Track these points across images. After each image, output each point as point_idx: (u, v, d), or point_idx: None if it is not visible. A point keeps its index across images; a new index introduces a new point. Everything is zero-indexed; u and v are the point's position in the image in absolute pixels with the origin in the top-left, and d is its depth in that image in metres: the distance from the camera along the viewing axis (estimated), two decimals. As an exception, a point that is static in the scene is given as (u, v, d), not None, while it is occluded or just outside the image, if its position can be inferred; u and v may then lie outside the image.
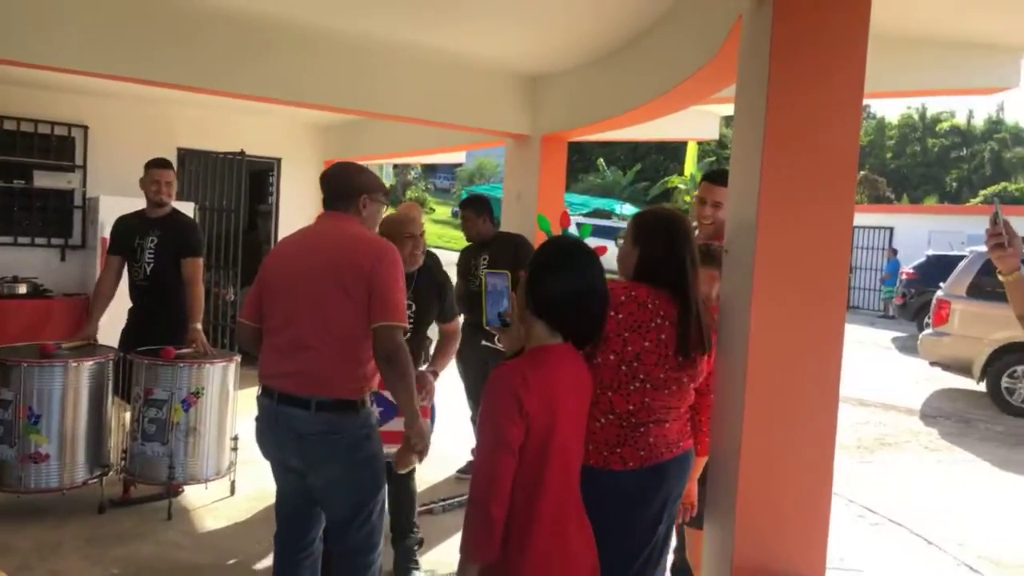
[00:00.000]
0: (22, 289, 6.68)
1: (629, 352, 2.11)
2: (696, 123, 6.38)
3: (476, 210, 4.89)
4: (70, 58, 4.37)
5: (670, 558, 3.17)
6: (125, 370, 4.28)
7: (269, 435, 2.56)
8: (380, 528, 2.61)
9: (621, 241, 2.38)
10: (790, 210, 2.06)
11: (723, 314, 2.34)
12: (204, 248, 4.70)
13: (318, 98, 5.01)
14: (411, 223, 3.41)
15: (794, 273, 2.08)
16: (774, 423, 2.07)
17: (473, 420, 5.23)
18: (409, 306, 3.39)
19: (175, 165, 7.56)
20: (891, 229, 19.94)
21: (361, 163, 9.03)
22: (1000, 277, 2.07)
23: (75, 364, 4.01)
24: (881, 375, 10.69)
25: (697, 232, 3.56)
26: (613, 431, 2.14)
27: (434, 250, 3.72)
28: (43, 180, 7.03)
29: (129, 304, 4.58)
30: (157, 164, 4.59)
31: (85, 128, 7.27)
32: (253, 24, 4.64)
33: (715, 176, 3.24)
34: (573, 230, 5.43)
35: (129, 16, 4.40)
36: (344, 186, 2.63)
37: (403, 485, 3.60)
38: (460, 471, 5.19)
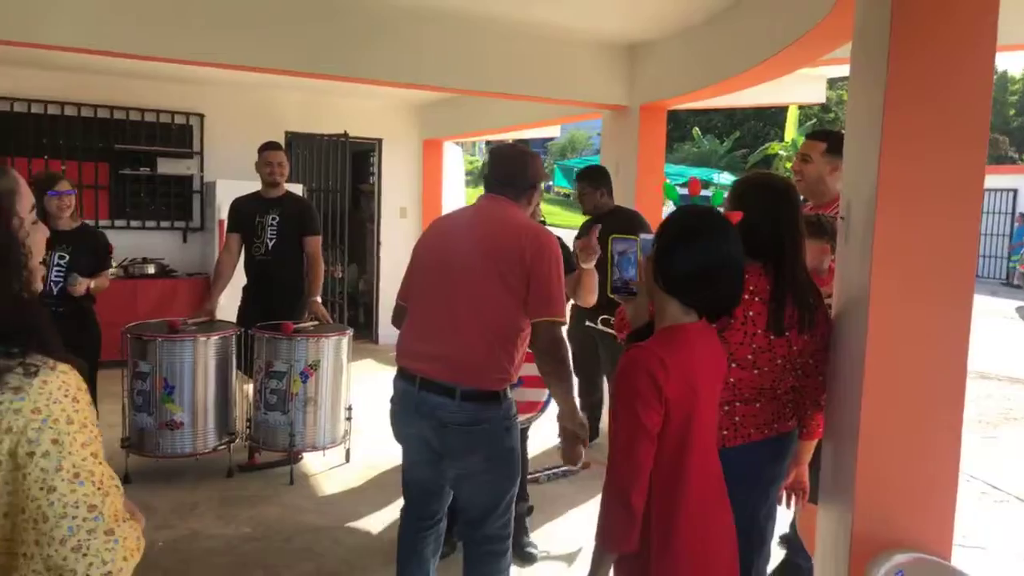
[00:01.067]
0: (150, 269, 7.18)
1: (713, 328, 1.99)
2: (800, 86, 6.12)
3: (592, 183, 4.77)
4: (188, 50, 4.60)
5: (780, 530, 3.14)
6: (247, 345, 4.55)
7: (406, 418, 2.50)
8: (513, 517, 2.57)
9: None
10: (914, 173, 1.97)
11: (839, 285, 2.27)
12: (321, 226, 4.93)
13: (419, 78, 5.09)
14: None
15: (917, 242, 1.98)
16: (896, 398, 2.00)
17: (582, 400, 5.20)
18: None
19: (284, 148, 7.95)
20: (1015, 191, 18.63)
21: (459, 139, 9.10)
22: None
23: (204, 338, 4.29)
24: (1005, 347, 10.08)
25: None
26: None
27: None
28: (165, 167, 7.48)
29: (243, 283, 4.86)
30: (269, 147, 4.83)
31: (201, 116, 7.66)
32: (354, 8, 4.75)
33: (813, 133, 3.24)
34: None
35: (241, 6, 4.58)
36: (519, 173, 2.51)
37: None
38: None
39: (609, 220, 4.71)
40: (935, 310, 2.02)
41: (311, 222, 4.80)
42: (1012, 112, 36.11)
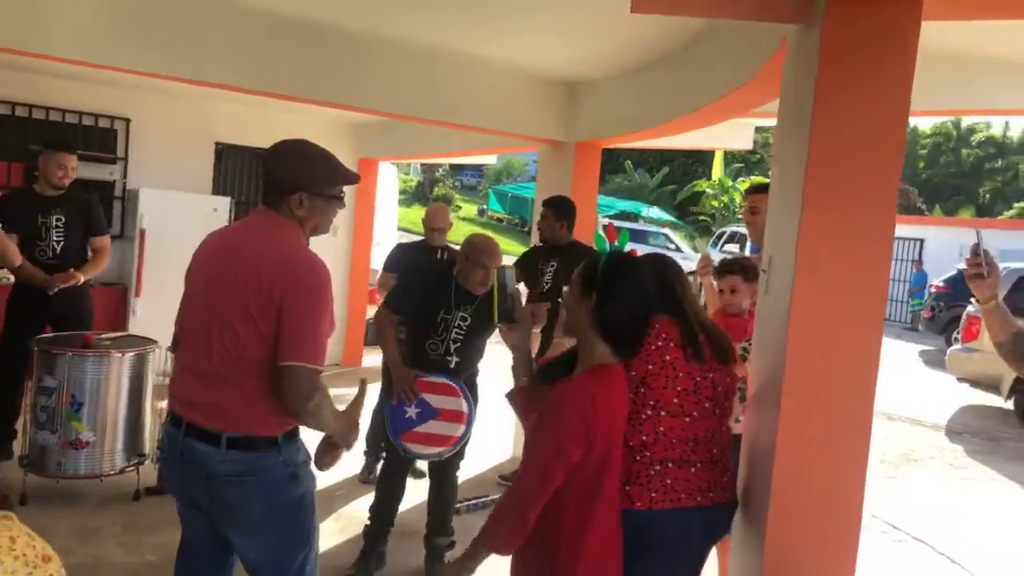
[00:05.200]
0: (63, 277, 6.83)
1: (634, 377, 2.04)
2: (730, 133, 6.36)
3: (558, 213, 4.71)
4: (112, 55, 4.44)
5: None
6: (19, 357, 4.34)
7: (175, 469, 2.17)
8: None
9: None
10: (831, 235, 2.09)
11: (758, 336, 2.37)
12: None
13: (356, 102, 5.08)
14: (490, 256, 3.35)
15: (831, 297, 2.10)
16: (808, 441, 2.10)
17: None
18: (465, 319, 3.45)
19: (213, 159, 7.76)
20: (921, 241, 19.72)
21: (395, 160, 9.01)
22: (976, 304, 2.14)
23: (118, 355, 4.12)
24: (908, 389, 10.59)
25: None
26: (624, 465, 1.99)
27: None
28: (86, 171, 7.13)
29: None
30: (64, 147, 4.56)
31: (127, 121, 7.41)
32: (295, 27, 4.71)
33: (757, 187, 3.50)
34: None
35: (175, 16, 4.48)
36: (275, 176, 2.12)
37: (444, 483, 3.68)
38: (503, 476, 5.15)
39: (566, 254, 4.64)
40: (847, 362, 2.13)
41: (97, 222, 4.65)
42: (922, 165, 38.30)
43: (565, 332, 2.07)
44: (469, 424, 3.42)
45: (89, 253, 4.70)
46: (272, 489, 2.07)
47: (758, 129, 8.10)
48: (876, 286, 2.11)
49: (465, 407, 3.38)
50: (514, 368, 2.22)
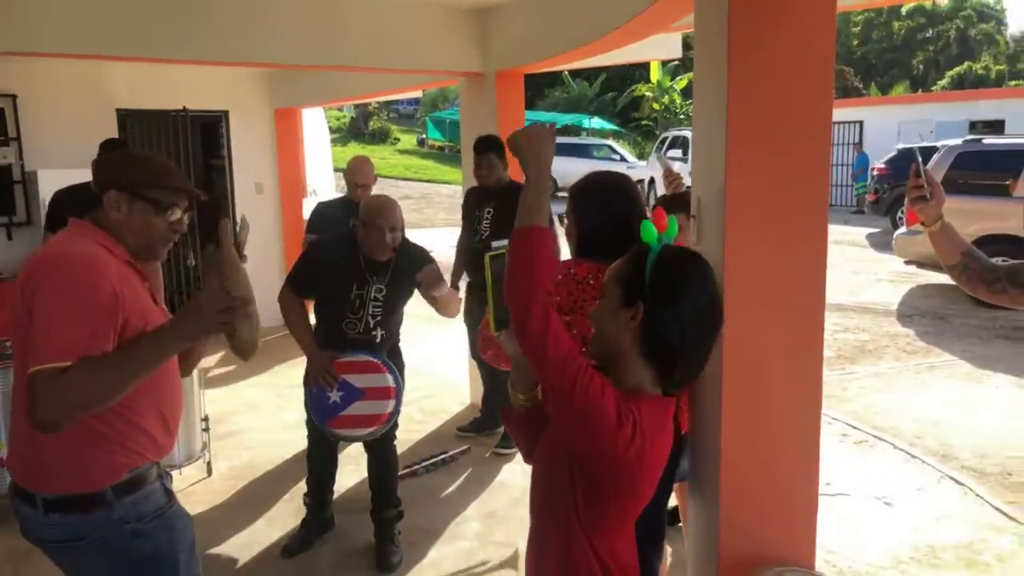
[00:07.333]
0: (-31, 275, 6.41)
1: (575, 335, 1.91)
2: (658, 44, 6.06)
3: (502, 155, 4.40)
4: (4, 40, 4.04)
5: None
6: None
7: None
8: None
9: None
10: (760, 171, 1.90)
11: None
12: None
13: (258, 56, 4.69)
14: (382, 214, 3.13)
15: (767, 245, 1.93)
16: (755, 403, 1.96)
17: (484, 380, 4.92)
18: (380, 290, 3.24)
19: (116, 129, 7.23)
20: (860, 123, 19.78)
21: (314, 107, 8.49)
22: (923, 228, 2.06)
23: (25, 364, 3.82)
24: (857, 275, 10.72)
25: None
26: None
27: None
28: (-23, 157, 6.64)
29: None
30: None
31: (13, 97, 6.81)
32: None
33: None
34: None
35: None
36: (94, 175, 1.85)
37: (379, 452, 3.51)
38: (461, 428, 4.97)
39: (502, 197, 4.36)
40: (788, 310, 1.98)
41: None
42: (856, 43, 38.26)
43: (592, 355, 1.53)
44: (398, 398, 3.27)
45: None
46: (110, 552, 1.76)
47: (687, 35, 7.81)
48: (815, 231, 1.94)
49: (391, 381, 3.21)
50: (513, 385, 1.65)
